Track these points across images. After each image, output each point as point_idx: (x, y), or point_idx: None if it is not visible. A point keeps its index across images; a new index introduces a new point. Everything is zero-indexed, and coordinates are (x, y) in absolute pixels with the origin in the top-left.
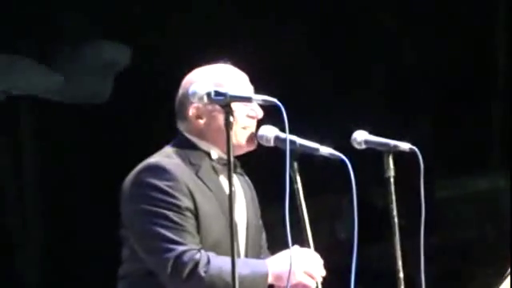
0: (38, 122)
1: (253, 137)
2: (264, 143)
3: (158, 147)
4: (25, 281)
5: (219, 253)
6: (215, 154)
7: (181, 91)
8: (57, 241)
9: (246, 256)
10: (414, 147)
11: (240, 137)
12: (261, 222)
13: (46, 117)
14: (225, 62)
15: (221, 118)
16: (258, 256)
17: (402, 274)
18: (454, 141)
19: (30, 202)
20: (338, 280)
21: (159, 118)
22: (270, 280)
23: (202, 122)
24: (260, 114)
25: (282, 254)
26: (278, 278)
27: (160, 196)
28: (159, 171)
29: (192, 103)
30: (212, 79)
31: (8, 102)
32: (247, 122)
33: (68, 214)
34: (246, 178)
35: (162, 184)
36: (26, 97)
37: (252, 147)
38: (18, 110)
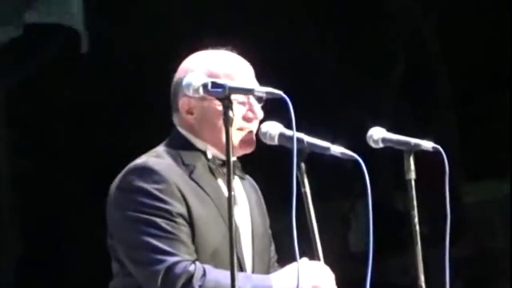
0: (14, 121)
1: (250, 139)
2: (267, 141)
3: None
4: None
5: (219, 264)
6: (210, 153)
7: (175, 79)
8: (34, 247)
9: (253, 269)
10: (437, 146)
11: (235, 138)
12: (270, 231)
13: (21, 119)
14: (226, 48)
15: (214, 113)
16: (267, 269)
17: None
18: (481, 141)
19: (6, 205)
20: None
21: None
22: None
23: (192, 117)
24: (260, 115)
25: (288, 268)
26: None
27: (148, 201)
28: (147, 173)
29: (184, 95)
30: (209, 68)
31: None
32: (244, 125)
33: (47, 218)
34: (251, 180)
35: (150, 187)
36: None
37: (248, 150)
38: None
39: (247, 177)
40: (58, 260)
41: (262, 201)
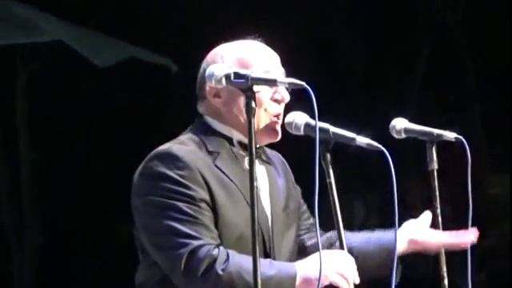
0: (35, 117)
1: (275, 127)
2: (293, 131)
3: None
4: (22, 282)
5: (244, 249)
6: (235, 138)
7: (203, 67)
8: (54, 241)
9: (270, 249)
10: (460, 137)
11: (262, 121)
12: (302, 201)
13: (43, 112)
14: (254, 38)
15: (241, 97)
16: (292, 245)
17: (446, 281)
18: (507, 131)
19: (28, 201)
20: None
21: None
22: (298, 283)
23: (219, 100)
24: (286, 97)
25: (313, 257)
26: (308, 281)
27: (171, 186)
28: (169, 159)
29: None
30: (235, 59)
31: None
32: (271, 107)
33: (66, 213)
34: (279, 155)
35: (172, 173)
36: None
37: (273, 138)
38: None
39: (274, 153)
40: (78, 251)
41: (291, 178)
